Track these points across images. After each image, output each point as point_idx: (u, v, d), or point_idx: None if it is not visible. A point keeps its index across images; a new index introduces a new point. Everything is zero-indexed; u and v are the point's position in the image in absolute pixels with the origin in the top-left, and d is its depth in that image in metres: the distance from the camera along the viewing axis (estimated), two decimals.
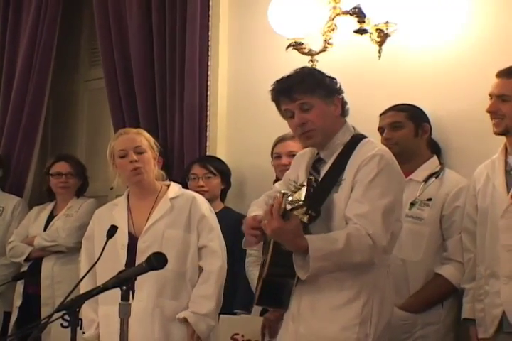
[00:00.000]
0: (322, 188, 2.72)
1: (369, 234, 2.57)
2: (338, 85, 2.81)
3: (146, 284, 3.21)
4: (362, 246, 2.57)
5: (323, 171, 2.77)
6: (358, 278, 2.65)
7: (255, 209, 2.89)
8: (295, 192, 2.62)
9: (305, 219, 2.63)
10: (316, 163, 2.82)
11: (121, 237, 3.29)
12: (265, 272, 2.71)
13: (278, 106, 2.81)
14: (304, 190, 2.58)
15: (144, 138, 3.43)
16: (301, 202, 2.58)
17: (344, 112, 2.83)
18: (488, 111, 2.99)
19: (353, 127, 2.84)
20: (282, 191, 2.60)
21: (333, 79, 2.81)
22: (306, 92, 2.72)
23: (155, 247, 3.17)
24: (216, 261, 3.33)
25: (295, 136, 2.94)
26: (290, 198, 2.58)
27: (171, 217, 3.35)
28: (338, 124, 2.79)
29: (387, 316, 2.69)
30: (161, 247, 3.20)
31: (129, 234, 3.33)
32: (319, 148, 2.82)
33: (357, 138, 2.78)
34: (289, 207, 2.56)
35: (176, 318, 3.28)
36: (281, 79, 2.79)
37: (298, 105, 2.74)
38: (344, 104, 2.83)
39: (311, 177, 2.69)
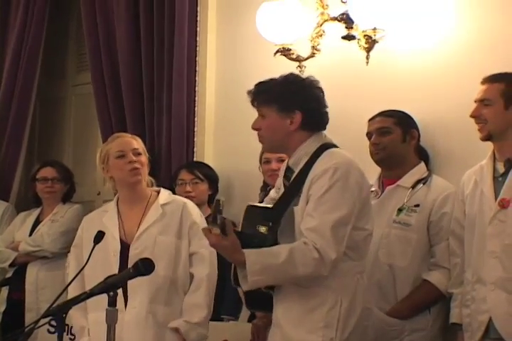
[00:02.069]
0: (285, 199, 2.76)
1: (316, 248, 2.59)
2: (311, 101, 2.77)
3: (138, 291, 3.20)
4: (306, 260, 2.59)
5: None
6: (325, 285, 2.67)
7: None
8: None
9: (263, 230, 2.66)
10: (286, 171, 2.85)
11: (113, 244, 3.28)
12: None
13: None
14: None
15: (140, 143, 3.44)
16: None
17: (313, 126, 2.78)
18: (472, 116, 3.01)
19: (325, 136, 2.83)
20: (216, 199, 2.64)
21: (311, 91, 2.77)
22: (263, 103, 2.81)
23: (147, 254, 3.14)
24: (205, 269, 3.31)
25: None
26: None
27: (163, 223, 3.33)
28: (294, 138, 2.77)
29: (355, 321, 2.69)
30: (153, 254, 3.18)
31: (121, 240, 3.31)
32: (287, 155, 2.86)
33: (323, 148, 2.76)
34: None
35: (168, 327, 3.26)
36: (258, 83, 2.84)
37: (258, 111, 2.84)
38: (314, 117, 2.77)
39: (220, 198, 2.69)
